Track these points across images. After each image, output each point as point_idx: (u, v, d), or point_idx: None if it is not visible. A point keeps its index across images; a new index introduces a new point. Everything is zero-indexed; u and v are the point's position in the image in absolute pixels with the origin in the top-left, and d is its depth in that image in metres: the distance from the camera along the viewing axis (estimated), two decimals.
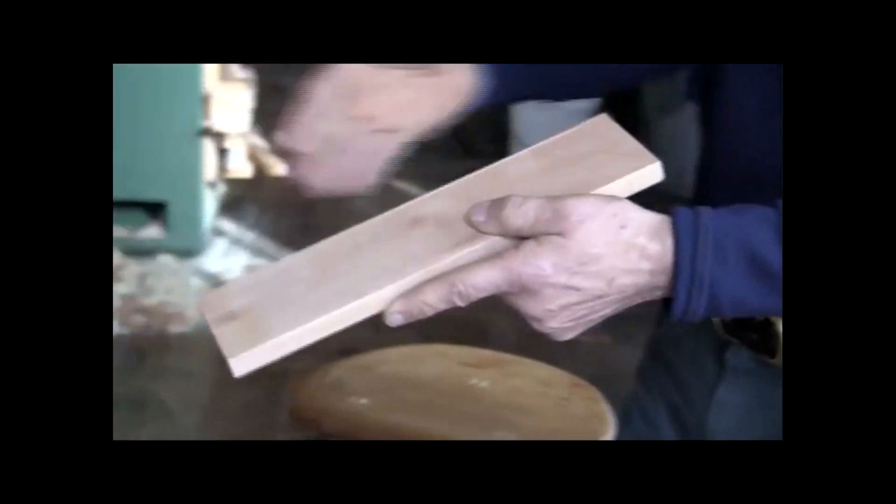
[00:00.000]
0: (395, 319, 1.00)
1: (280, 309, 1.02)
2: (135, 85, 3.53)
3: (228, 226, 3.95)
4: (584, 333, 1.04)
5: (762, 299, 1.00)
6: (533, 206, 0.98)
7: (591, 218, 0.98)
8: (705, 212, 1.00)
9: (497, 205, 0.99)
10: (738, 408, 1.25)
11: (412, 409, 2.06)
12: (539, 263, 0.97)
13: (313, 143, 1.13)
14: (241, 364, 1.01)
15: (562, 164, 1.07)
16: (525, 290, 0.98)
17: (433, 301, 0.99)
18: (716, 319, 1.21)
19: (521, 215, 0.98)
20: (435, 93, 1.16)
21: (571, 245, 0.97)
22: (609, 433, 2.07)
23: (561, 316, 1.00)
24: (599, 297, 0.99)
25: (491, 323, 3.31)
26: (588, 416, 2.10)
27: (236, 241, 3.86)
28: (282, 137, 1.13)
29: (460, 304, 0.99)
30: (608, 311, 1.02)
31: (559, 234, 0.98)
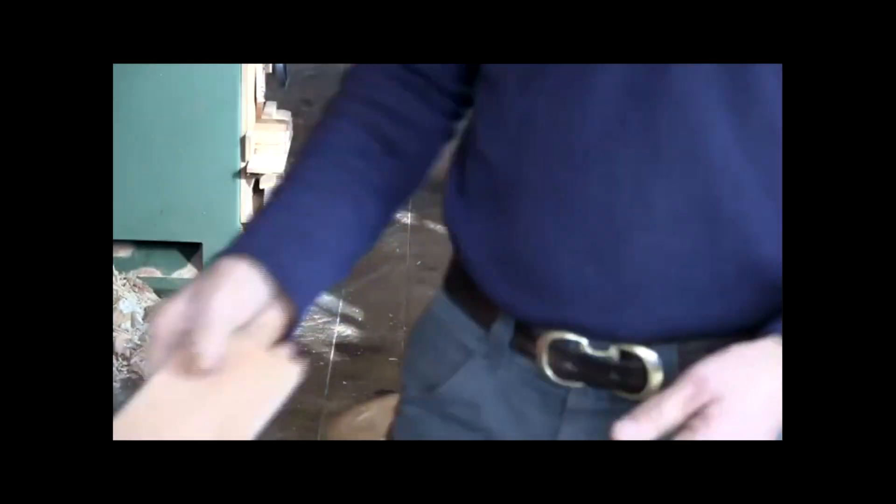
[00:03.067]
0: None
1: None
2: (171, 126, 3.56)
3: None
4: None
5: None
6: (672, 395, 0.98)
7: (724, 371, 0.98)
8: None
9: (643, 411, 0.98)
10: None
11: None
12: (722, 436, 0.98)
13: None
14: None
15: (213, 380, 1.06)
16: None
17: None
18: (548, 368, 1.16)
19: (670, 408, 0.98)
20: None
21: (729, 406, 0.97)
22: None
23: None
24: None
25: None
26: None
27: None
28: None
29: None
30: None
31: (712, 401, 0.98)
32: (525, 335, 1.17)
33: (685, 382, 0.98)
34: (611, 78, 1.07)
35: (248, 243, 1.14)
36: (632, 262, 1.10)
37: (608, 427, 1.00)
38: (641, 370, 1.12)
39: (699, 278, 1.10)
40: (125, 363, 3.38)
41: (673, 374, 1.08)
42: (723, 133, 1.07)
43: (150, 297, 3.59)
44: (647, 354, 1.12)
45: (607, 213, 1.09)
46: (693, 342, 1.11)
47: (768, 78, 1.04)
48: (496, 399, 1.21)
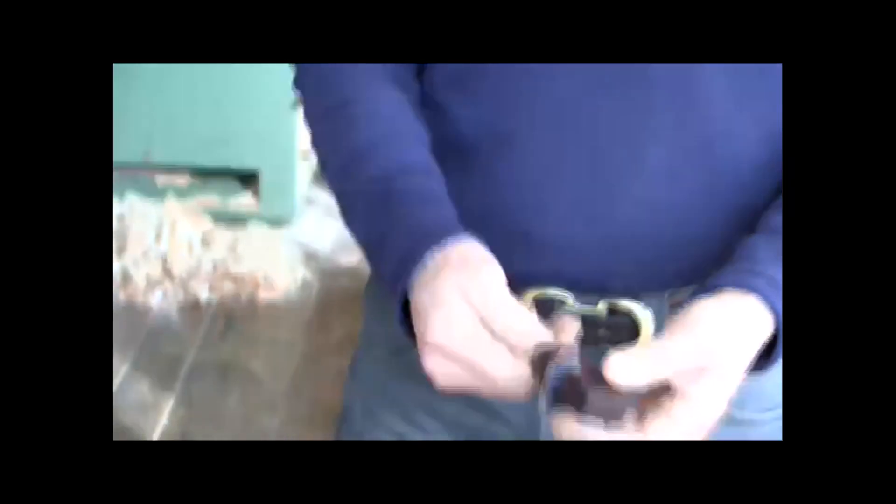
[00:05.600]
0: None
1: None
2: None
3: (321, 195, 3.96)
4: None
5: None
6: (678, 355, 0.92)
7: (730, 349, 0.93)
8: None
9: (645, 356, 0.92)
10: None
11: None
12: None
13: None
14: None
15: None
16: None
17: None
18: None
19: (668, 366, 0.92)
20: None
21: (721, 387, 0.93)
22: None
23: None
24: None
25: None
26: None
27: (328, 211, 3.86)
28: None
29: None
30: None
31: (707, 373, 0.93)
32: None
33: (693, 348, 0.93)
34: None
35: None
36: (623, 215, 1.06)
37: None
38: (632, 324, 1.07)
39: (692, 229, 1.07)
40: (181, 288, 3.41)
41: (664, 324, 1.04)
42: (715, 81, 1.03)
43: (207, 225, 3.61)
44: (638, 308, 1.07)
45: (596, 166, 1.05)
46: (683, 290, 1.08)
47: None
48: None
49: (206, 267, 3.47)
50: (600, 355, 0.96)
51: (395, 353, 1.18)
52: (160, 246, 3.46)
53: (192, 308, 3.38)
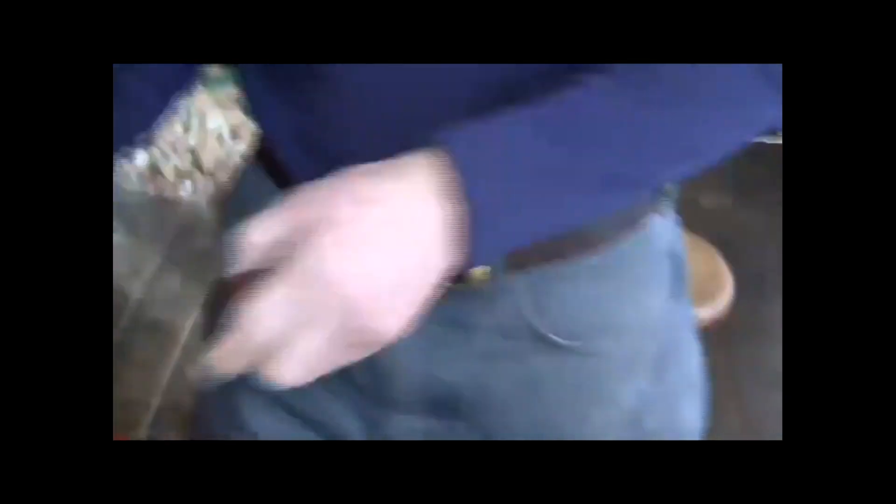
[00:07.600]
0: None
1: None
2: None
3: None
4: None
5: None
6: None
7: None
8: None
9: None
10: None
11: None
12: None
13: None
14: None
15: None
16: None
17: None
18: None
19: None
20: None
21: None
22: (727, 291, 2.28)
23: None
24: None
25: None
26: (708, 274, 2.30)
27: None
28: None
29: None
30: None
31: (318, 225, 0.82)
32: None
33: (286, 219, 0.81)
34: None
35: None
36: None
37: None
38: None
39: None
40: (211, 180, 3.40)
41: (498, 263, 1.00)
42: None
43: (237, 115, 3.59)
44: None
45: (412, 106, 0.96)
46: None
47: None
48: None
49: (236, 159, 3.46)
50: None
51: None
52: (189, 138, 3.44)
53: (222, 199, 3.38)
